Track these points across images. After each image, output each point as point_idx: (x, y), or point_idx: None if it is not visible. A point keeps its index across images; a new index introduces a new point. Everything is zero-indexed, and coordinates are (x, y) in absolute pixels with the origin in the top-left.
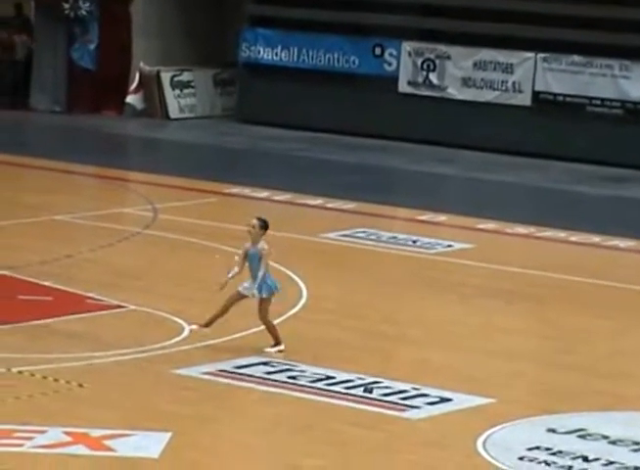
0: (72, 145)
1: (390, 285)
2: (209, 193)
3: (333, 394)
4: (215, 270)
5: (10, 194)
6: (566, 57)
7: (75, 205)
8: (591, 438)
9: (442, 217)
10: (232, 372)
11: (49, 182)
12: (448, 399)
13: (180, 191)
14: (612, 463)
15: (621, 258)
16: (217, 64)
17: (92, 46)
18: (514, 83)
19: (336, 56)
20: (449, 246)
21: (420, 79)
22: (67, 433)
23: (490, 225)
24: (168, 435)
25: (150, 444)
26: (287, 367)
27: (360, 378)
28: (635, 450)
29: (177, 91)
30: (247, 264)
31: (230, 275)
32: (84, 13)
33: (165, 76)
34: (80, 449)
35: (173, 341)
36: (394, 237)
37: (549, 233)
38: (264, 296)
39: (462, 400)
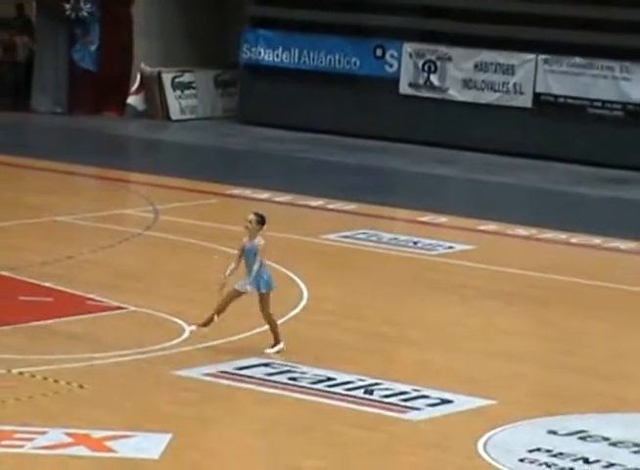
0: (74, 146)
1: (391, 286)
2: (210, 194)
3: (333, 395)
4: (216, 271)
5: (11, 195)
6: (566, 58)
7: (77, 206)
8: (592, 439)
9: (443, 219)
10: (232, 373)
11: (50, 183)
12: (449, 401)
13: (181, 192)
14: (612, 465)
15: (622, 260)
16: (218, 65)
17: (93, 47)
18: (515, 85)
19: (337, 57)
20: (450, 247)
21: (421, 81)
22: (67, 434)
23: (491, 227)
24: (169, 436)
25: (150, 445)
26: (287, 369)
27: (361, 379)
28: (636, 452)
29: (178, 92)
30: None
31: (227, 272)
32: (85, 14)
33: (166, 77)
34: (81, 450)
35: (174, 342)
36: (395, 238)
37: (550, 235)
38: (263, 291)
39: (463, 402)
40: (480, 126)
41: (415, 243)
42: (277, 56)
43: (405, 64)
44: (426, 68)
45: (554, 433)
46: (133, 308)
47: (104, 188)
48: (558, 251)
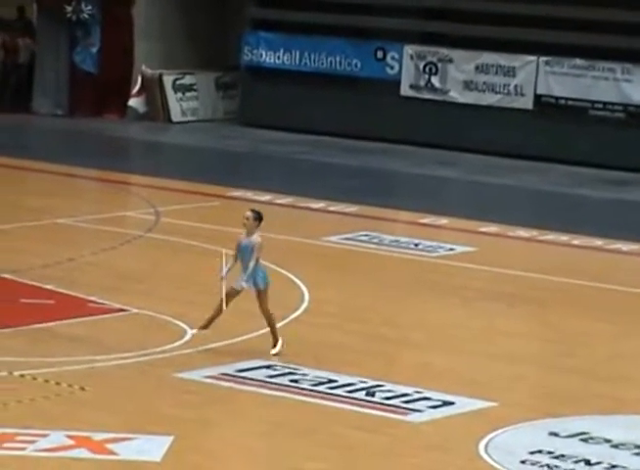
0: (75, 148)
1: (392, 288)
2: (212, 196)
3: (335, 397)
4: (217, 273)
5: (12, 197)
6: (568, 60)
7: (78, 208)
8: (593, 441)
9: (444, 221)
10: (234, 376)
11: (51, 185)
12: (451, 403)
13: (182, 194)
14: (614, 467)
15: (623, 262)
16: (219, 67)
17: (94, 49)
18: (516, 87)
19: (338, 59)
20: (451, 249)
21: (422, 83)
22: (69, 436)
23: (492, 228)
24: (171, 438)
25: (152, 447)
26: (289, 371)
27: (362, 381)
28: (637, 454)
29: (179, 94)
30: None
31: (224, 272)
32: (86, 16)
33: (168, 80)
34: (83, 453)
35: (175, 344)
36: (396, 240)
37: (551, 236)
38: (262, 287)
39: (464, 404)
40: (481, 128)
41: (416, 245)
42: (278, 58)
43: (406, 65)
44: (427, 69)
45: (555, 435)
46: (135, 311)
47: (105, 190)
48: (559, 252)
